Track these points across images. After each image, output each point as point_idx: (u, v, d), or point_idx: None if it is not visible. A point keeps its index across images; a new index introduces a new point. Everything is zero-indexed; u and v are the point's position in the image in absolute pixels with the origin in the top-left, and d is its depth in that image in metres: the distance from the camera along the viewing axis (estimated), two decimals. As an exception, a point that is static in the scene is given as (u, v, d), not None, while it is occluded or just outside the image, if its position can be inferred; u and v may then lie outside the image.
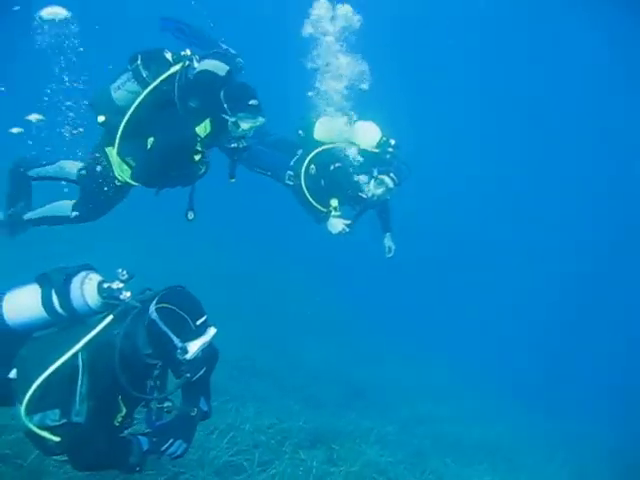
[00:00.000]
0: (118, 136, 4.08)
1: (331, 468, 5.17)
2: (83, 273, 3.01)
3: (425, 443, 7.30)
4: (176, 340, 2.78)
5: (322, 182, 5.52)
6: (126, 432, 2.97)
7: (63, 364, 2.69)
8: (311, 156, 5.46)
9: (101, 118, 4.16)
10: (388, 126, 5.36)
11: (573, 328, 16.59)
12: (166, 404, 2.95)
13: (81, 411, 2.68)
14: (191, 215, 4.58)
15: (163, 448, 2.97)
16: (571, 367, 13.34)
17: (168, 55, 4.14)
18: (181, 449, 3.03)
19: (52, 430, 2.71)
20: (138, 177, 4.25)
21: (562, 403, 10.51)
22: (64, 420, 2.70)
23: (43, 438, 2.73)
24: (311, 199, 5.53)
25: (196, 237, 10.49)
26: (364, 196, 5.49)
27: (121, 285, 2.92)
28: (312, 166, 5.49)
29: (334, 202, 5.58)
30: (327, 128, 5.47)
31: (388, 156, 5.39)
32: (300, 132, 5.66)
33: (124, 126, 4.04)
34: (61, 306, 2.94)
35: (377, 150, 5.39)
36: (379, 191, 5.46)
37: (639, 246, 20.74)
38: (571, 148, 23.29)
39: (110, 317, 2.82)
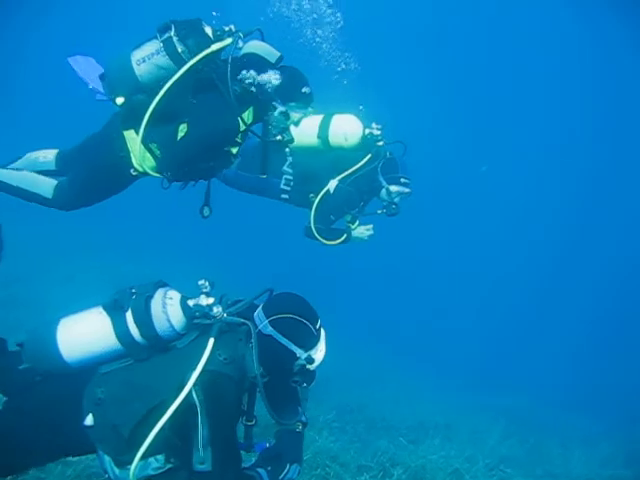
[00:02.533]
0: (145, 120, 3.46)
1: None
2: (161, 292, 2.55)
3: (360, 428, 7.35)
4: (299, 351, 2.48)
5: (332, 217, 4.98)
6: None
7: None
8: (316, 205, 4.84)
9: (120, 99, 3.53)
10: (368, 113, 4.86)
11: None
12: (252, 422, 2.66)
13: (206, 458, 2.30)
14: (207, 211, 4.14)
15: (281, 476, 2.59)
16: (511, 348, 13.72)
17: (208, 29, 3.57)
18: (296, 473, 2.65)
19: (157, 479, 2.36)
20: (164, 168, 3.66)
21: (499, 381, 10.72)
22: (169, 465, 2.36)
23: None
24: (326, 242, 4.95)
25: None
26: (380, 212, 5.05)
27: (211, 300, 2.52)
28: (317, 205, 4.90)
29: (347, 217, 5.10)
30: (298, 132, 4.58)
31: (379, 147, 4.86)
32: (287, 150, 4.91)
33: (153, 109, 3.43)
34: (142, 334, 2.48)
35: (368, 156, 4.87)
36: (397, 200, 4.98)
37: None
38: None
39: (212, 340, 2.41)
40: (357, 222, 5.09)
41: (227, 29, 3.57)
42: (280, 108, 3.71)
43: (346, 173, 4.81)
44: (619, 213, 22.58)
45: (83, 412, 2.42)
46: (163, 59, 3.46)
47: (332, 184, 4.81)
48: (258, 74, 3.56)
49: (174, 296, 2.54)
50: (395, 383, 9.71)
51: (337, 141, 4.69)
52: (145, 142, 3.55)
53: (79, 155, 3.81)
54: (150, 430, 2.27)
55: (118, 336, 2.47)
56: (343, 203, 4.90)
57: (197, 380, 2.29)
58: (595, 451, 8.15)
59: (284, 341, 2.45)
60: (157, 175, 3.69)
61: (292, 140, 3.88)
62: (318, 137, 4.72)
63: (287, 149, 4.78)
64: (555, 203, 22.88)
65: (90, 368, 2.51)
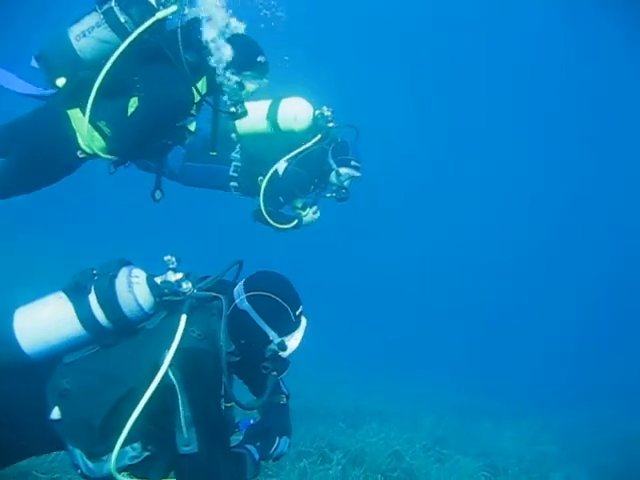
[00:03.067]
0: (92, 97, 3.19)
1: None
2: (125, 270, 2.38)
3: (298, 414, 7.19)
4: (272, 334, 2.36)
5: (281, 199, 4.84)
6: None
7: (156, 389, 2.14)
8: (264, 186, 4.65)
9: (61, 81, 3.27)
10: (317, 95, 4.79)
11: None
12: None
13: (191, 439, 2.16)
14: (159, 195, 3.92)
15: (272, 451, 2.48)
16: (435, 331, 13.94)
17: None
18: (287, 445, 2.54)
19: (134, 469, 2.21)
20: (115, 148, 3.40)
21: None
22: (146, 453, 2.22)
23: None
24: (278, 225, 4.79)
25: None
26: (329, 195, 4.93)
27: (179, 276, 2.38)
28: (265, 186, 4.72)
29: (298, 203, 4.98)
30: (247, 120, 4.38)
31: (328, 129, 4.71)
32: (233, 135, 4.79)
33: (100, 84, 3.17)
34: (108, 317, 2.30)
35: (318, 136, 4.68)
36: (346, 183, 4.86)
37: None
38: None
39: (184, 317, 2.25)
40: (307, 209, 4.98)
41: None
42: (235, 78, 3.55)
43: (294, 152, 4.69)
44: (612, 206, 23.60)
45: (48, 406, 2.25)
46: (105, 32, 3.23)
47: (281, 165, 4.71)
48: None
49: (139, 274, 2.39)
50: (331, 371, 9.69)
51: (287, 123, 4.62)
52: (93, 121, 3.29)
53: (17, 136, 3.47)
54: (123, 419, 2.14)
55: (82, 321, 2.30)
56: (292, 185, 4.78)
57: (172, 360, 2.16)
58: (525, 430, 8.49)
59: (258, 320, 2.35)
60: (107, 157, 3.45)
61: (246, 113, 3.71)
62: (267, 120, 4.63)
63: (234, 135, 4.73)
64: (548, 195, 23.59)
65: (52, 359, 2.33)
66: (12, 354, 2.27)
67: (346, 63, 19.89)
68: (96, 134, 3.34)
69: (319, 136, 4.69)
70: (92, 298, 2.30)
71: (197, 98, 3.46)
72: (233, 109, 3.64)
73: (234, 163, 4.83)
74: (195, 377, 2.19)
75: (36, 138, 3.38)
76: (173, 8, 3.30)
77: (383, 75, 22.09)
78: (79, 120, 3.32)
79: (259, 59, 3.63)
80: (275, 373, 2.39)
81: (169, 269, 2.39)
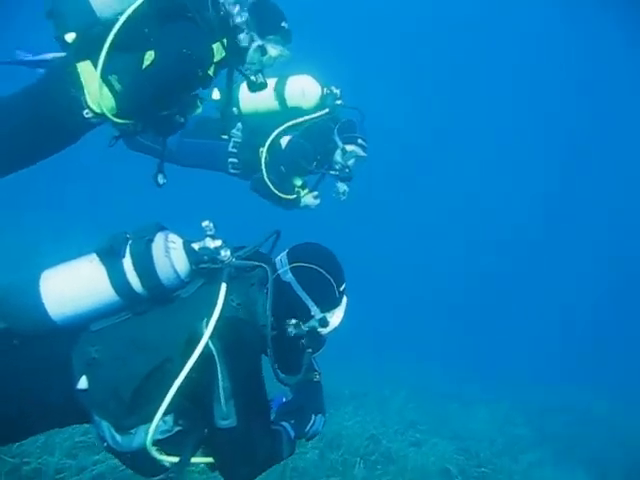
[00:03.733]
0: (106, 47, 2.91)
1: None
2: (161, 235, 2.21)
3: None
4: (315, 309, 2.25)
5: (282, 169, 4.55)
6: None
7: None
8: (265, 153, 4.44)
9: (70, 35, 2.97)
10: (325, 75, 4.63)
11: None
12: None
13: (230, 412, 2.04)
14: (162, 179, 3.64)
15: (307, 429, 2.37)
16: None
17: None
18: (322, 424, 2.45)
19: (164, 444, 2.08)
20: (125, 106, 3.08)
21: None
22: (177, 428, 2.08)
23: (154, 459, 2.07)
24: (280, 194, 4.52)
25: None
26: (334, 173, 4.69)
27: (218, 243, 2.23)
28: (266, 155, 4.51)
29: (297, 182, 4.70)
30: (253, 96, 4.29)
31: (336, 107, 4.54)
32: (234, 109, 4.52)
33: (114, 36, 2.91)
34: (143, 284, 2.14)
35: (325, 110, 4.50)
36: (350, 162, 4.63)
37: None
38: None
39: (224, 286, 2.10)
40: (307, 189, 4.78)
41: None
42: (257, 41, 3.35)
43: (299, 120, 4.49)
44: (610, 202, 24.27)
45: (74, 375, 2.08)
46: None
47: (284, 138, 4.54)
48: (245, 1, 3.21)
49: (176, 240, 2.23)
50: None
51: (294, 99, 4.47)
52: (104, 74, 2.98)
53: (17, 101, 3.12)
54: (156, 390, 2.01)
55: (115, 287, 2.13)
56: (296, 155, 4.56)
57: (213, 329, 2.03)
58: (496, 412, 8.62)
59: (302, 293, 2.24)
60: (114, 119, 3.12)
61: (265, 85, 3.53)
62: (274, 94, 4.45)
63: (236, 109, 4.48)
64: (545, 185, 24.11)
65: (77, 326, 2.16)
66: (37, 320, 2.10)
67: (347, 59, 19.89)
68: (106, 90, 3.02)
69: (326, 110, 4.51)
70: (127, 263, 2.13)
71: (217, 58, 3.24)
72: (253, 77, 3.46)
73: (234, 139, 4.58)
74: (236, 347, 2.07)
75: (37, 100, 3.06)
76: None
77: (384, 70, 22.22)
78: (89, 74, 3.00)
79: (283, 24, 3.44)
80: (310, 350, 2.28)
81: (207, 235, 2.24)
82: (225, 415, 2.04)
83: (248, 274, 2.28)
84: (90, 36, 2.97)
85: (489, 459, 6.84)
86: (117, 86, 3.03)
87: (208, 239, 2.23)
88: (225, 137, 3.91)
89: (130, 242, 2.17)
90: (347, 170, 4.67)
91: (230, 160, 4.63)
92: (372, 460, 5.63)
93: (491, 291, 18.67)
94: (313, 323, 2.27)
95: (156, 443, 2.06)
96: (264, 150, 4.42)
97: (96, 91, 3.00)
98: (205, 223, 2.24)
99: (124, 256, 2.13)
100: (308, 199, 4.74)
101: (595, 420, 9.34)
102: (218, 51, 3.26)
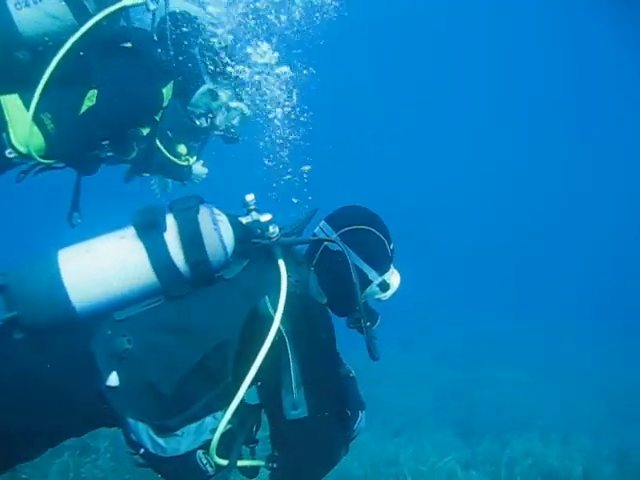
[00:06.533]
0: (42, 85, 2.55)
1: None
2: (205, 207, 1.94)
3: None
4: (373, 274, 2.09)
5: (168, 133, 3.75)
6: None
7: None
8: None
9: None
10: None
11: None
12: None
13: (299, 401, 1.82)
14: (77, 218, 3.23)
15: (355, 426, 2.10)
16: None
17: None
18: (364, 420, 2.16)
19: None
20: (57, 148, 2.70)
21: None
22: (229, 426, 1.81)
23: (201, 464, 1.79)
24: (177, 161, 3.63)
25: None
26: (218, 133, 3.72)
27: (268, 217, 2.02)
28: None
29: (182, 149, 3.84)
30: None
31: None
32: None
33: (54, 69, 2.56)
34: (188, 259, 1.86)
35: None
36: (235, 121, 3.69)
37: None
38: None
39: (282, 263, 1.92)
40: (195, 157, 3.88)
41: None
42: (208, 85, 3.10)
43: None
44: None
45: (100, 372, 1.75)
46: (57, 6, 2.63)
47: None
48: (195, 38, 2.95)
49: (220, 213, 1.98)
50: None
51: None
52: (36, 112, 2.61)
53: None
54: (204, 382, 1.77)
55: (155, 264, 1.83)
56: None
57: (274, 308, 1.81)
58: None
59: (356, 260, 2.06)
60: (41, 160, 2.74)
61: (217, 128, 3.27)
62: None
63: None
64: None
65: (96, 316, 1.82)
66: (55, 307, 1.76)
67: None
68: (36, 129, 2.63)
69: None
70: (170, 236, 1.85)
71: (166, 102, 2.98)
72: (198, 122, 3.23)
73: None
74: (307, 325, 1.88)
75: None
76: None
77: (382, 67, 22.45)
78: (15, 110, 2.63)
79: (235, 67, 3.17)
80: (369, 324, 2.08)
81: (251, 210, 2.03)
82: (296, 404, 1.83)
83: (295, 250, 2.11)
84: (16, 63, 2.64)
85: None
86: (50, 126, 2.66)
87: (254, 214, 2.04)
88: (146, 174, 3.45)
89: (173, 214, 1.90)
90: (232, 130, 3.71)
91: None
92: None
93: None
94: (373, 289, 2.13)
95: (203, 445, 1.80)
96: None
97: (24, 131, 2.61)
98: (249, 197, 2.04)
99: (165, 230, 1.86)
100: (197, 168, 3.91)
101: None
102: (167, 95, 3.00)
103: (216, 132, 3.73)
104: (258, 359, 1.77)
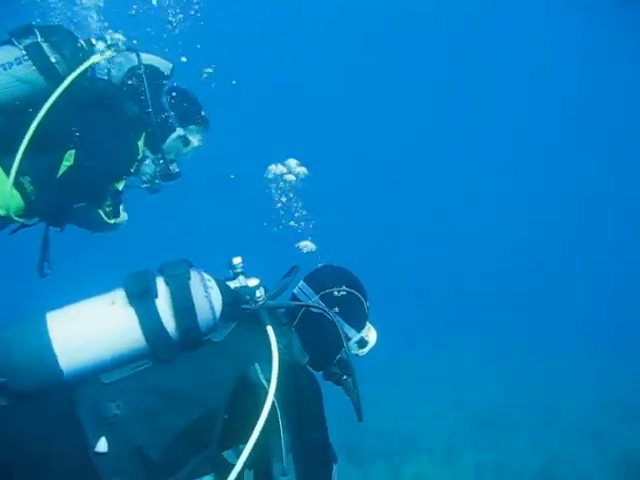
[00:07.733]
0: (21, 151, 2.57)
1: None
2: (196, 272, 1.97)
3: None
4: (352, 332, 2.20)
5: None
6: None
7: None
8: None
9: None
10: None
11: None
12: None
13: (288, 468, 1.86)
14: (47, 268, 3.21)
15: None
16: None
17: (81, 40, 2.87)
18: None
19: None
20: (36, 209, 2.78)
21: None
22: None
23: None
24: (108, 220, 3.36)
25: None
26: (144, 185, 3.44)
27: (256, 282, 2.07)
28: None
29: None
30: None
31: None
32: None
33: (33, 133, 2.59)
34: (179, 325, 1.88)
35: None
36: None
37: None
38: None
39: (271, 328, 1.97)
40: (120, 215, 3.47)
41: (111, 40, 2.91)
42: (179, 131, 3.19)
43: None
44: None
45: (88, 437, 1.73)
46: (27, 70, 2.67)
47: None
48: (162, 92, 3.08)
49: (210, 278, 2.02)
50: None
51: None
52: (16, 174, 2.63)
53: None
54: (190, 449, 1.79)
55: (146, 330, 1.85)
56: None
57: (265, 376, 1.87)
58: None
59: (337, 320, 2.15)
60: (18, 220, 2.78)
61: (180, 174, 3.30)
62: None
63: None
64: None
65: (81, 380, 1.82)
66: (43, 371, 1.75)
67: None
68: (15, 192, 2.67)
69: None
70: (162, 303, 1.88)
71: (141, 155, 3.08)
72: (171, 168, 3.24)
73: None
74: (298, 395, 1.93)
75: None
76: (109, 53, 2.89)
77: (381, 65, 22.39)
78: None
79: (202, 113, 3.30)
80: (347, 378, 2.19)
81: (239, 274, 2.09)
82: (285, 471, 1.87)
83: (278, 312, 2.16)
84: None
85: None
86: (29, 188, 2.70)
87: (241, 278, 2.08)
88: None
89: (165, 279, 1.93)
90: (156, 181, 3.42)
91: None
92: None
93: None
94: (351, 347, 2.22)
95: None
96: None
97: (4, 195, 2.64)
98: (237, 260, 2.09)
99: (156, 295, 1.89)
100: (121, 216, 3.52)
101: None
102: (141, 147, 3.08)
103: (142, 185, 3.52)
104: (255, 433, 1.80)
